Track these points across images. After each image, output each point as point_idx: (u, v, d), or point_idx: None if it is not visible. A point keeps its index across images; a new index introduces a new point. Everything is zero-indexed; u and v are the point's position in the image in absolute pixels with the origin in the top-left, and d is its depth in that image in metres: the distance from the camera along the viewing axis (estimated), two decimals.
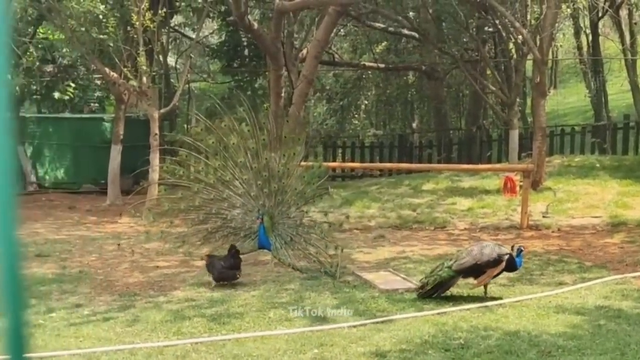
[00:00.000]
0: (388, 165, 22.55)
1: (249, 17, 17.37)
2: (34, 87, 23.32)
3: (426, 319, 7.91)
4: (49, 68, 23.53)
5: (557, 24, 19.53)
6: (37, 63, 21.67)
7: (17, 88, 21.49)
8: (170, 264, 11.46)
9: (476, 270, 8.72)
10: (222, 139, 10.90)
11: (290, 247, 10.64)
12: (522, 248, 9.24)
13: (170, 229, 11.23)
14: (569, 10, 20.25)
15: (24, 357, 1.51)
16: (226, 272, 9.91)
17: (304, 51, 20.13)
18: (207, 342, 7.19)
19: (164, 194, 11.68)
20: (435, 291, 8.72)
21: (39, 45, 22.23)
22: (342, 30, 27.21)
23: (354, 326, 7.66)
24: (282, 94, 17.35)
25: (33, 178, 23.02)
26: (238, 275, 9.99)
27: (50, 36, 22.78)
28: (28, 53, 21.10)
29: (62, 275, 10.79)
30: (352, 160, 25.44)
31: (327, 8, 16.95)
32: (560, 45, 31.42)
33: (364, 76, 30.55)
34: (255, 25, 17.77)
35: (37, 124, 23.69)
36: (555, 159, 20.70)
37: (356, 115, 31.97)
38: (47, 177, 23.55)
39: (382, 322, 7.81)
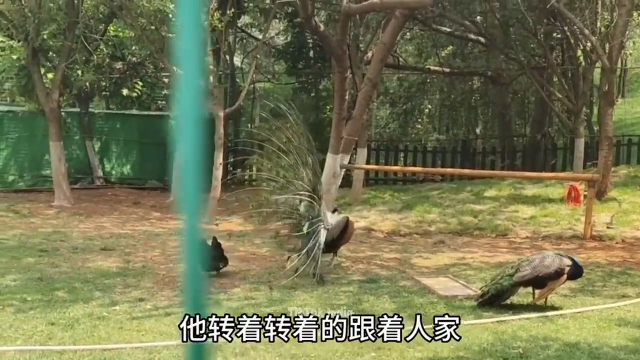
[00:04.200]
0: (450, 170, 22.39)
1: (316, 18, 17.43)
2: (103, 84, 23.77)
3: (485, 326, 7.87)
4: (119, 65, 23.97)
5: (627, 32, 19.18)
6: (107, 60, 22.09)
7: (87, 84, 21.93)
8: (231, 262, 11.59)
9: (537, 282, 8.62)
10: (290, 138, 11.15)
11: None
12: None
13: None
14: None
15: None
16: (211, 262, 10.34)
17: (369, 54, 20.13)
18: (265, 341, 7.26)
19: (257, 187, 12.05)
20: (495, 300, 8.67)
21: (109, 43, 22.65)
22: (407, 33, 27.13)
23: None
24: (346, 97, 17.37)
25: (100, 173, 23.48)
26: (221, 266, 10.50)
27: (121, 34, 23.19)
28: (98, 50, 21.53)
29: (126, 269, 11.02)
30: (414, 165, 25.35)
31: (394, 11, 16.92)
32: (630, 54, 30.80)
33: (428, 80, 30.42)
34: (322, 27, 17.84)
35: (105, 120, 24.15)
36: (621, 169, 20.34)
37: (419, 120, 31.83)
38: (113, 172, 24.00)
39: None
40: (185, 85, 1.61)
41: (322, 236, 10.62)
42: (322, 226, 10.72)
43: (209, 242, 10.64)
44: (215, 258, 10.45)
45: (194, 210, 1.65)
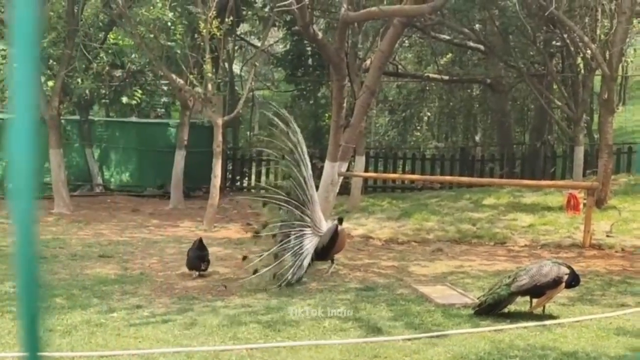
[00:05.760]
0: (449, 178, 22.37)
1: (314, 26, 17.43)
2: (103, 91, 23.78)
3: (482, 335, 7.86)
4: (118, 73, 23.97)
5: (627, 39, 19.20)
6: (107, 68, 22.11)
7: (86, 92, 21.95)
8: (229, 269, 11.59)
9: (535, 291, 8.61)
10: (296, 146, 11.12)
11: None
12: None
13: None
14: None
15: (39, 356, 1.58)
16: (192, 261, 10.79)
17: (368, 62, 20.14)
18: (262, 349, 7.27)
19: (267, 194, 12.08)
20: (492, 309, 8.65)
21: (109, 51, 22.67)
22: (406, 41, 27.15)
23: (409, 339, 7.65)
24: (345, 104, 17.36)
25: (99, 180, 23.48)
26: (203, 267, 10.78)
27: (120, 42, 23.21)
28: (98, 58, 21.55)
29: (124, 276, 11.01)
30: (413, 172, 25.34)
31: (392, 19, 16.93)
32: (631, 61, 30.83)
33: (427, 88, 30.44)
34: (320, 35, 17.83)
35: (105, 128, 24.16)
36: (621, 177, 20.35)
37: (418, 127, 31.85)
38: (112, 179, 23.99)
39: (437, 336, 7.78)
40: (19, 82, 1.49)
41: (311, 242, 10.65)
42: (308, 233, 10.75)
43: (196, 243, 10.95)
44: (198, 257, 10.75)
45: (26, 220, 1.55)
